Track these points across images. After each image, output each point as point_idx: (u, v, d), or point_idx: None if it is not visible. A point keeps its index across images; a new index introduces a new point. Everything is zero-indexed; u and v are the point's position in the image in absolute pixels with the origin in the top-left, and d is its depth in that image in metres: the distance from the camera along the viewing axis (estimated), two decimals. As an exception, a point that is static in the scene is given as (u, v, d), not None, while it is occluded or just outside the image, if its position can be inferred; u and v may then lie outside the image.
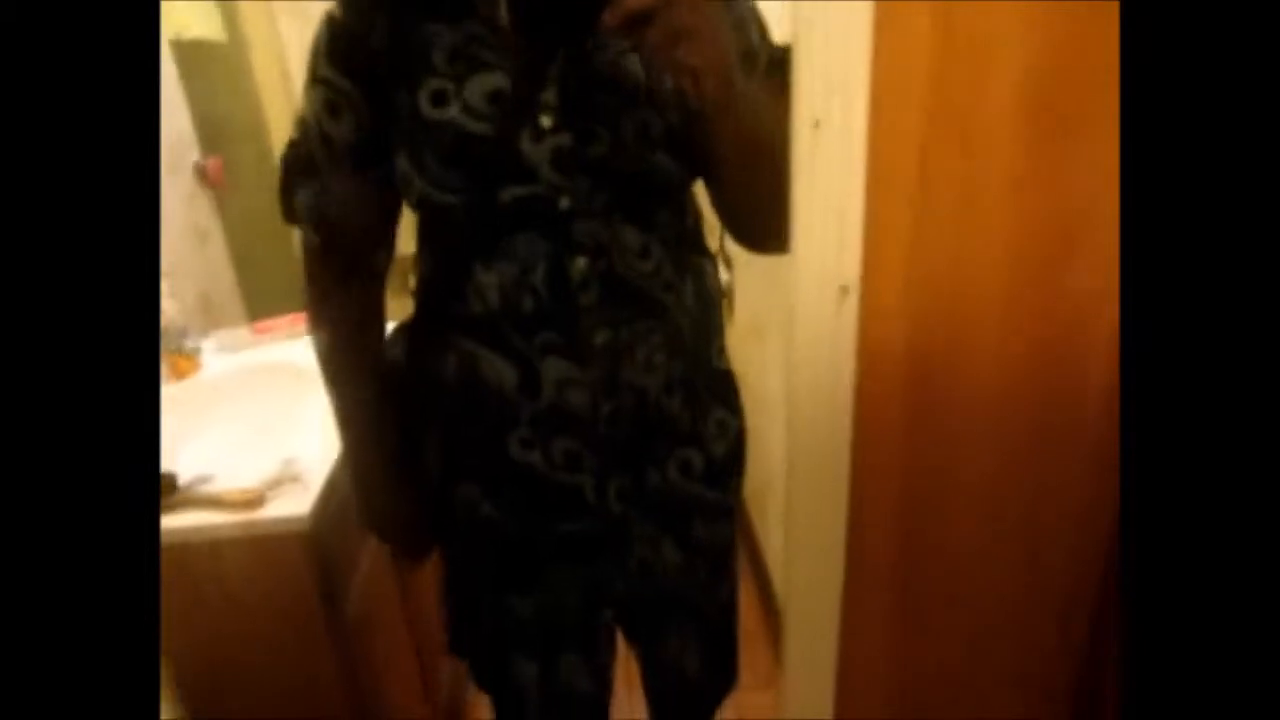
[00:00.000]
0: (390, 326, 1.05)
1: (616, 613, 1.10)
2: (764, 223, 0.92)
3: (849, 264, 0.60)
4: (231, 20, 2.57)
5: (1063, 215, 0.61)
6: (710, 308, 1.01)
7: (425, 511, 1.06)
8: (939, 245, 0.61)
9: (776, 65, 0.89)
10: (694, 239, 0.98)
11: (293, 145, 0.92)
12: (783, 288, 1.99)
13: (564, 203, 0.85)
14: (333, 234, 0.94)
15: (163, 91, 2.00)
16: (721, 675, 1.22)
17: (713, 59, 0.70)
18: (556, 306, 0.88)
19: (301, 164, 0.92)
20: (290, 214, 0.95)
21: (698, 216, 1.00)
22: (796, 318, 0.62)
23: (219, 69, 2.44)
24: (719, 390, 1.04)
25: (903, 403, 0.66)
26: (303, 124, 0.91)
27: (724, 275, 2.65)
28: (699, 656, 1.16)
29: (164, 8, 2.08)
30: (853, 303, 0.61)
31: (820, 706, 0.77)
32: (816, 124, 0.55)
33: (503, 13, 0.71)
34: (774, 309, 1.99)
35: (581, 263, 0.87)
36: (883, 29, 0.53)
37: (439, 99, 0.83)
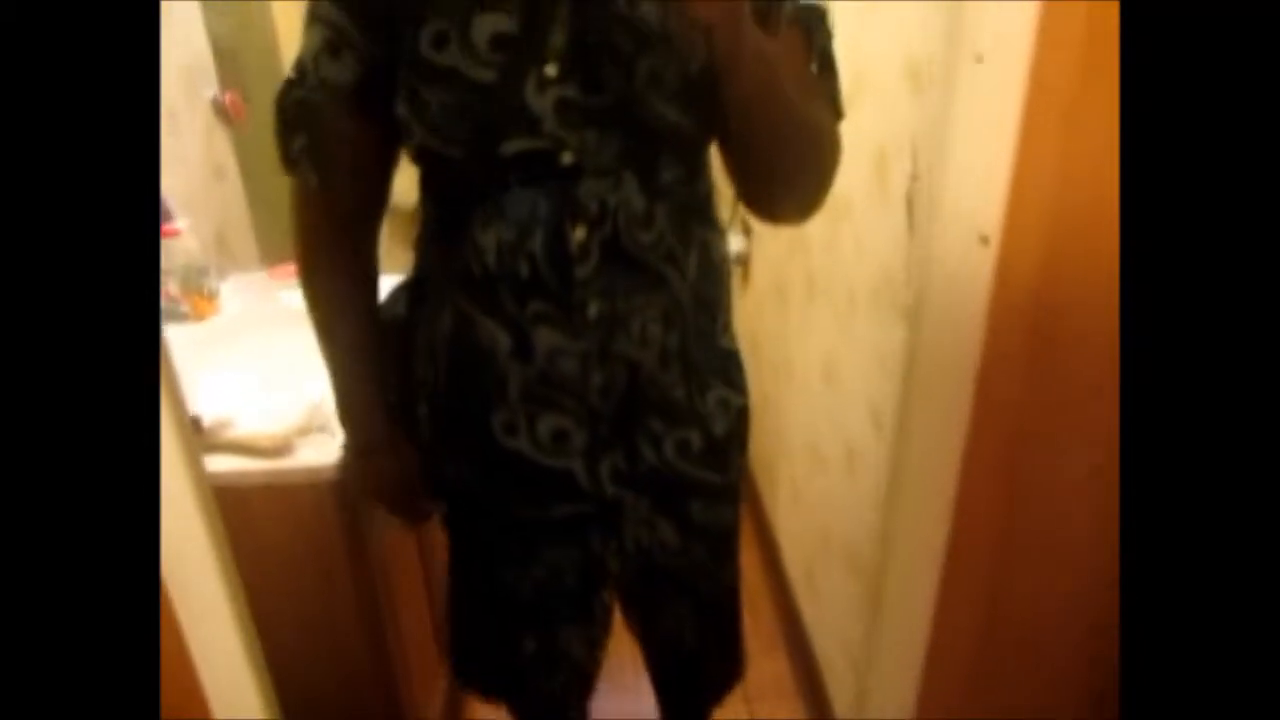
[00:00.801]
0: (393, 281, 1.02)
1: (615, 591, 1.09)
2: (779, 189, 0.89)
3: (993, 211, 0.57)
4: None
5: None
6: (715, 283, 0.96)
7: (421, 475, 1.03)
8: (1082, 200, 0.58)
9: (799, 20, 0.85)
10: (703, 209, 0.94)
11: (290, 86, 0.87)
12: (804, 247, 1.95)
13: (567, 157, 0.82)
14: (329, 180, 0.90)
15: (181, 21, 1.94)
16: (726, 662, 1.20)
17: (725, 14, 0.67)
18: (552, 275, 0.85)
19: (298, 107, 0.87)
20: (288, 159, 0.90)
21: (710, 186, 0.95)
22: (933, 263, 0.59)
23: (237, 2, 2.37)
24: (722, 367, 1.00)
25: (1026, 349, 0.64)
26: (300, 65, 0.86)
27: (741, 242, 2.62)
28: (700, 642, 1.14)
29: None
30: (991, 252, 0.59)
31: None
32: (979, 58, 0.52)
33: None
34: (795, 273, 1.97)
35: (581, 232, 0.84)
36: None
37: (440, 41, 0.79)
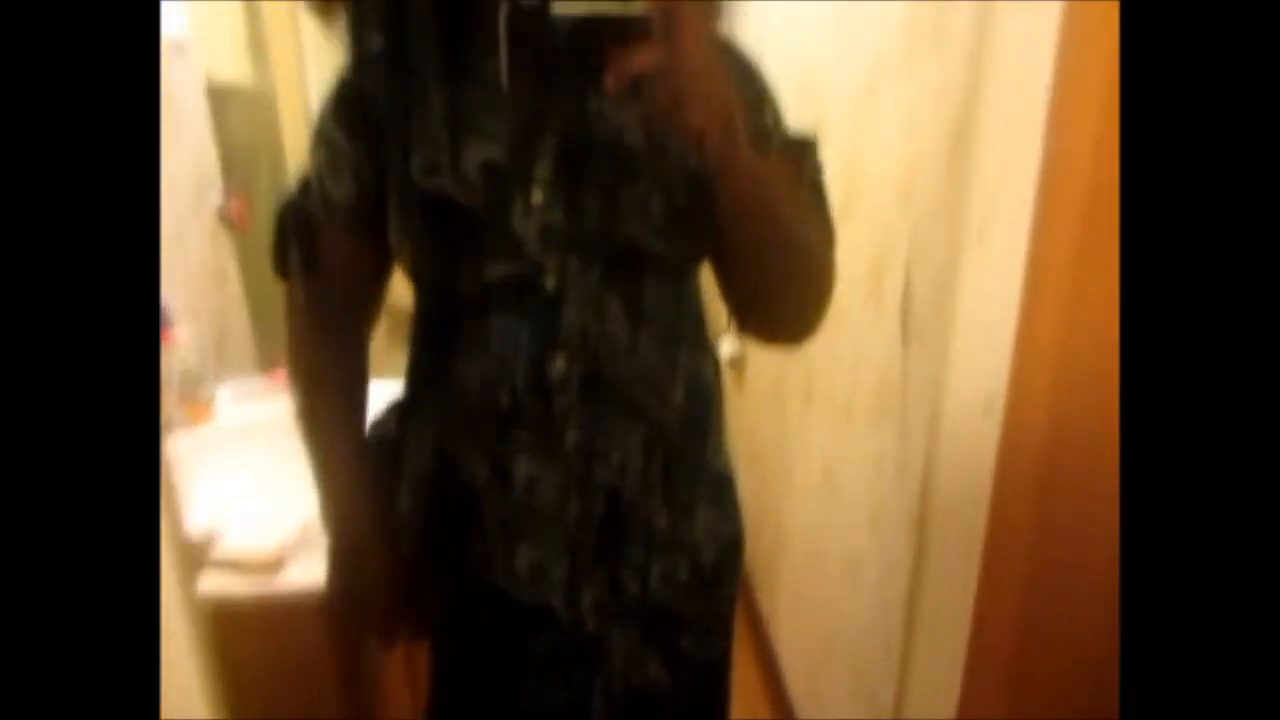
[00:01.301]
0: (390, 386, 1.01)
1: None
2: (773, 310, 0.88)
3: (998, 376, 0.58)
4: (261, 64, 2.59)
5: None
6: (705, 405, 0.94)
7: (403, 592, 0.98)
8: (1086, 357, 0.59)
9: (789, 151, 0.86)
10: (692, 333, 0.92)
11: (291, 200, 0.91)
12: (802, 355, 1.97)
13: (550, 282, 0.82)
14: (321, 291, 0.92)
15: (192, 134, 2.00)
16: None
17: (717, 118, 0.66)
18: (531, 405, 0.84)
19: (299, 219, 0.90)
20: (282, 267, 0.92)
21: (700, 309, 0.94)
22: (942, 422, 0.60)
23: (247, 112, 2.45)
24: (712, 492, 0.96)
25: (1036, 504, 0.63)
26: (304, 180, 0.90)
27: (734, 347, 2.64)
28: None
29: (199, 50, 2.09)
30: (998, 411, 0.59)
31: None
32: (980, 232, 0.54)
33: (503, 74, 0.68)
34: (794, 376, 1.97)
35: (561, 363, 0.83)
36: (1051, 133, 0.52)
37: (431, 168, 0.81)
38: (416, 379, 0.95)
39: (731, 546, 0.99)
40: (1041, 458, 0.59)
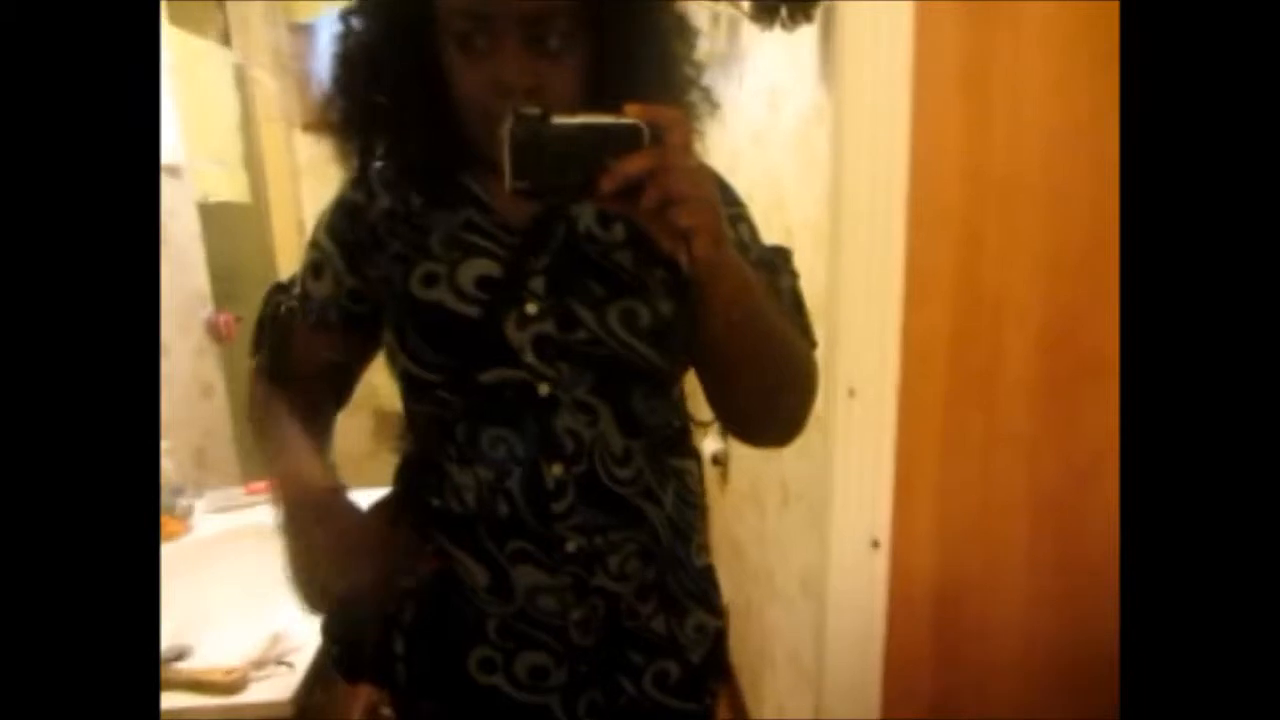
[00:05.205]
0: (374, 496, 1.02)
1: None
2: (759, 413, 0.91)
3: (880, 519, 0.61)
4: (257, 180, 2.69)
5: (1078, 462, 0.62)
6: (691, 509, 0.97)
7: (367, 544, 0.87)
8: (964, 499, 0.62)
9: (766, 261, 0.91)
10: (678, 440, 0.96)
11: (278, 290, 0.99)
12: (782, 456, 1.98)
13: (544, 389, 0.85)
14: (287, 373, 0.97)
15: (184, 251, 2.06)
16: None
17: (705, 221, 0.69)
18: (529, 513, 0.87)
19: (277, 310, 0.98)
20: (257, 346, 1.00)
21: (685, 418, 0.98)
22: (829, 569, 0.63)
23: (240, 227, 2.53)
24: (698, 590, 0.98)
25: (932, 645, 0.65)
26: (294, 279, 0.98)
27: (718, 443, 2.64)
28: None
29: (194, 171, 2.18)
30: (884, 555, 0.62)
31: None
32: (851, 392, 0.58)
33: (508, 181, 0.71)
34: (772, 478, 1.98)
35: (558, 469, 0.86)
36: (910, 298, 0.57)
37: (430, 280, 0.86)
38: (407, 481, 0.96)
39: (717, 640, 1.00)
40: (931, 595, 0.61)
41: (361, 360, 1.00)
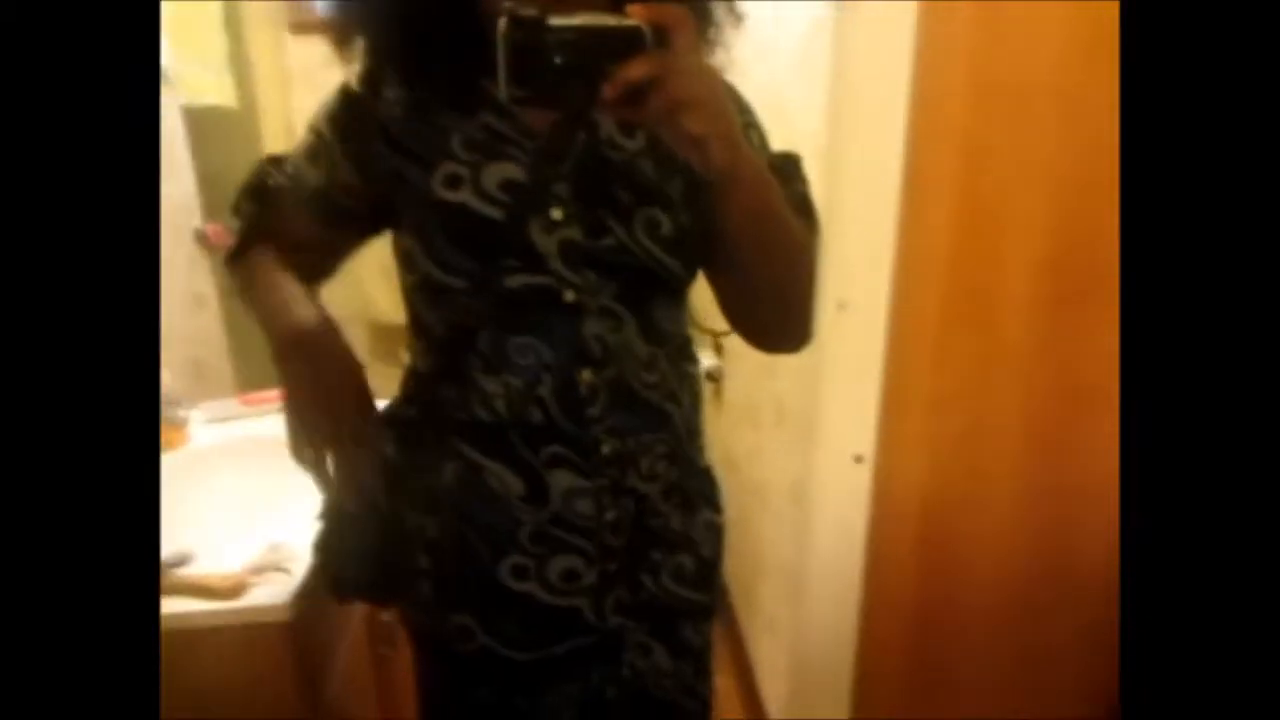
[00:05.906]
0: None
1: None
2: (777, 315, 0.93)
3: (865, 434, 0.61)
4: (246, 87, 2.61)
5: (1073, 385, 0.62)
6: (698, 410, 1.02)
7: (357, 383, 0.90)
8: (954, 417, 0.61)
9: (777, 168, 0.90)
10: (687, 345, 0.99)
11: (270, 163, 0.97)
12: (776, 374, 1.99)
13: (569, 295, 0.85)
14: (265, 242, 0.96)
15: (171, 156, 2.01)
16: None
17: (718, 126, 0.67)
18: (564, 418, 0.88)
19: (265, 183, 0.96)
20: (237, 210, 0.98)
21: (688, 325, 1.01)
22: (812, 483, 0.62)
23: (228, 135, 2.47)
24: (705, 489, 1.04)
25: (915, 559, 0.66)
26: (287, 155, 0.96)
27: (713, 360, 2.66)
28: None
29: (181, 74, 2.11)
30: (867, 469, 0.62)
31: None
32: (841, 305, 0.56)
33: (503, 85, 0.68)
34: (766, 395, 1.99)
35: (589, 375, 0.87)
36: (907, 213, 0.55)
37: (453, 182, 0.84)
38: (421, 397, 0.95)
39: (720, 536, 1.06)
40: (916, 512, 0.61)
41: (340, 253, 1.00)
